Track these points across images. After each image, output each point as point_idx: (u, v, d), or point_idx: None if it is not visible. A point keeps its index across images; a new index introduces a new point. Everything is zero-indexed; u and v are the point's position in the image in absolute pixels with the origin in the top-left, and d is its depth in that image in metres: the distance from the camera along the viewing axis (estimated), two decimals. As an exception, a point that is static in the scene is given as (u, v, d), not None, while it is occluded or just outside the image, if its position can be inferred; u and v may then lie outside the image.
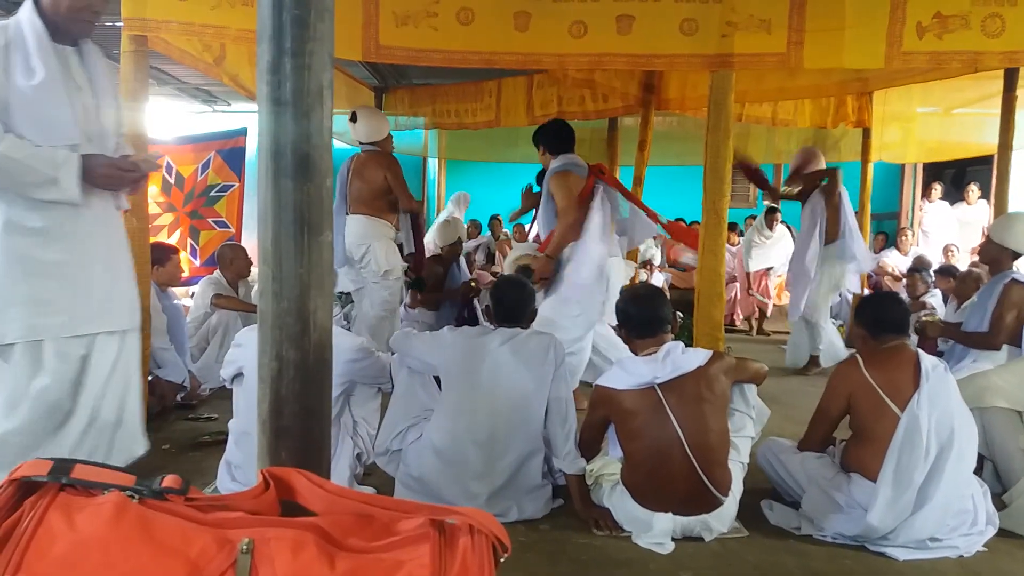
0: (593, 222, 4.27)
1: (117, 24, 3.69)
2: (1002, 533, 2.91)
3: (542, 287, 4.35)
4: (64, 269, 2.45)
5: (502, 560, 1.10)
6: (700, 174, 3.63)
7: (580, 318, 4.30)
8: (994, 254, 4.33)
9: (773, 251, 8.54)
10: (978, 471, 3.09)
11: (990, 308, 4.23)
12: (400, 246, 5.33)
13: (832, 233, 5.78)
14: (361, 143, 5.11)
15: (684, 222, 11.50)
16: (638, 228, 4.74)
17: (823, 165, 5.82)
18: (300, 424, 1.41)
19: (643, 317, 2.98)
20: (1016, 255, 4.32)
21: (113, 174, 2.51)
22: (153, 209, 6.97)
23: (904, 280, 7.12)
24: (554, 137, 4.57)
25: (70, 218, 2.45)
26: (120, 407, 2.65)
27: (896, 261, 8.95)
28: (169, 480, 1.15)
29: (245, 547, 1.06)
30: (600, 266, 4.31)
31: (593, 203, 4.32)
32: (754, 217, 10.20)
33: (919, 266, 7.11)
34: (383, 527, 1.13)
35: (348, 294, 7.57)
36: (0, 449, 2.41)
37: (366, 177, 4.99)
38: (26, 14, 2.40)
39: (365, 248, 4.98)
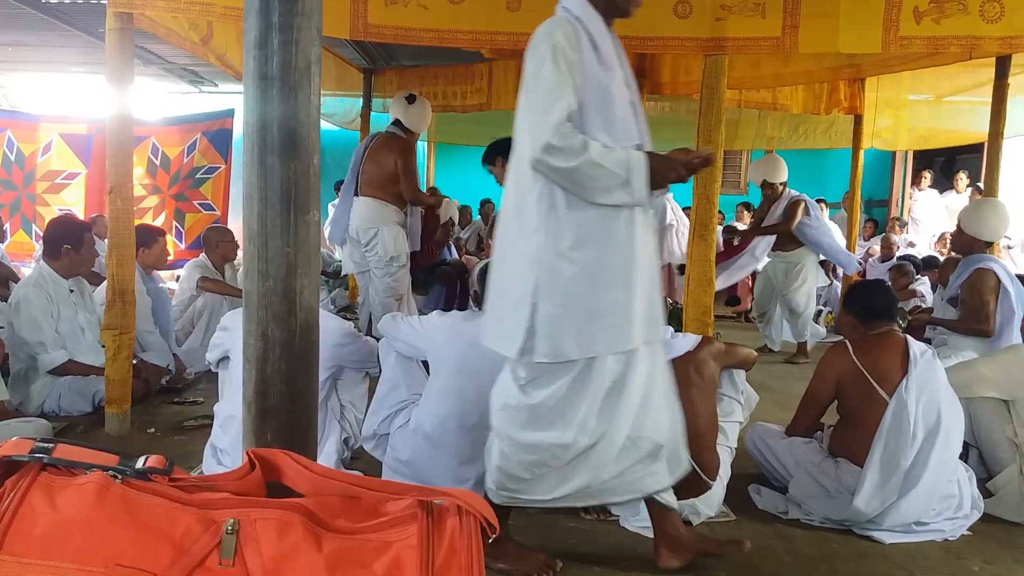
0: None
1: (102, 1, 3.63)
2: (987, 518, 2.94)
3: None
4: (632, 276, 2.17)
5: (490, 541, 1.08)
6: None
7: None
8: (967, 244, 4.34)
9: None
10: (964, 457, 3.11)
11: (960, 291, 4.29)
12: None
13: (783, 244, 6.05)
14: (396, 121, 5.08)
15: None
16: None
17: (784, 175, 6.05)
18: (286, 404, 1.39)
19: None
20: (988, 244, 4.33)
21: (680, 171, 2.21)
22: (138, 191, 6.90)
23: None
24: (509, 147, 4.46)
25: (626, 223, 2.17)
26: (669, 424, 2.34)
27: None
28: (153, 460, 1.13)
29: (230, 528, 1.05)
30: None
31: None
32: (747, 204, 10.22)
33: (899, 262, 7.16)
34: (370, 508, 1.11)
35: (333, 277, 7.55)
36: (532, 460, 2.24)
37: (380, 160, 4.96)
38: (577, 1, 2.17)
39: (373, 232, 4.95)
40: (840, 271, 7.26)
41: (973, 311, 4.19)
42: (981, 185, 9.21)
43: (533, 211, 2.12)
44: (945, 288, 5.47)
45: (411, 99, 5.05)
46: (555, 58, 2.04)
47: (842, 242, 8.09)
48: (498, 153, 4.41)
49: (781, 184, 6.05)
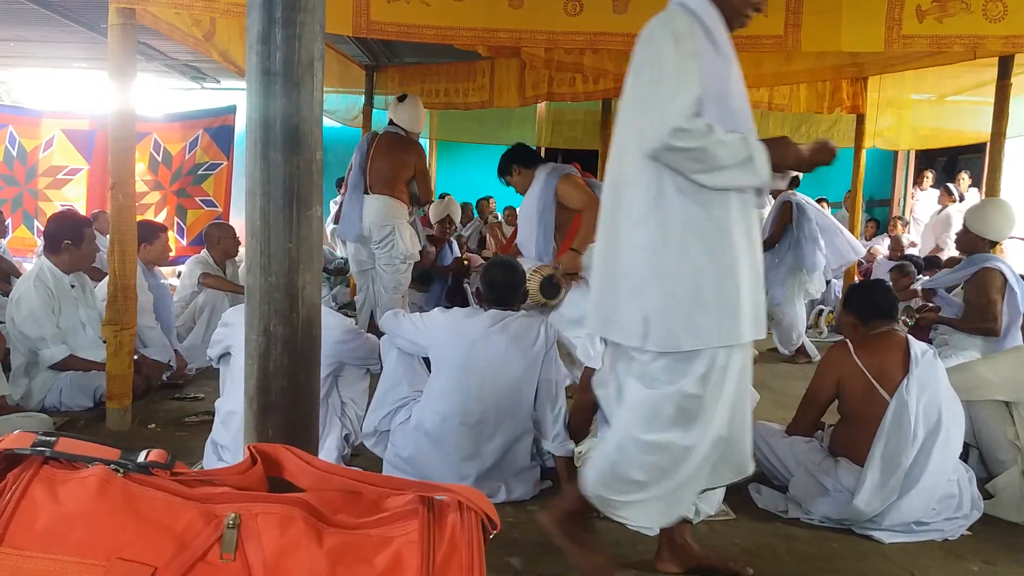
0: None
1: (104, -4, 3.62)
2: (987, 518, 2.94)
3: (569, 282, 4.26)
4: (738, 269, 2.13)
5: (491, 537, 1.09)
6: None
7: None
8: (971, 244, 4.33)
9: None
10: (964, 457, 3.11)
11: (963, 289, 4.29)
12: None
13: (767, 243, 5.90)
14: (392, 124, 5.12)
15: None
16: None
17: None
18: (288, 400, 1.39)
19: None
20: (992, 243, 4.33)
21: (800, 156, 2.20)
22: (140, 187, 6.90)
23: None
24: (525, 155, 4.46)
25: (734, 215, 2.13)
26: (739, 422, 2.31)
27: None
28: (154, 454, 1.13)
29: (232, 522, 1.05)
30: None
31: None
32: None
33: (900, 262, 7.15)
34: (371, 503, 1.11)
35: (335, 274, 7.55)
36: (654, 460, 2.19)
37: (395, 159, 5.01)
38: (696, 2, 2.15)
39: (389, 229, 4.98)
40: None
41: (979, 311, 4.18)
42: (951, 186, 9.26)
43: (640, 201, 2.11)
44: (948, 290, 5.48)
45: (401, 98, 5.10)
46: (678, 46, 2.03)
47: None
48: (513, 162, 4.41)
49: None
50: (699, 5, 2.15)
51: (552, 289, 4.15)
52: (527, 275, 3.99)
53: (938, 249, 8.80)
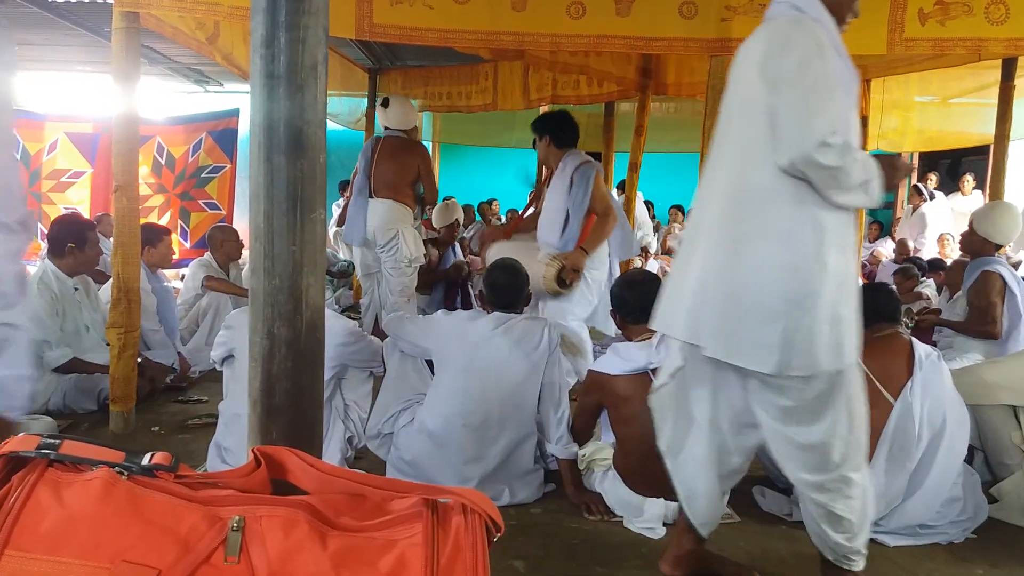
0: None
1: (108, 0, 3.64)
2: (991, 521, 2.93)
3: (574, 280, 4.28)
4: (855, 282, 2.15)
5: (495, 540, 1.09)
6: (697, 161, 3.61)
7: (601, 312, 4.31)
8: (977, 246, 4.33)
9: None
10: (969, 460, 3.10)
11: (967, 293, 4.30)
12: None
13: None
14: (388, 128, 5.12)
15: (682, 209, 11.51)
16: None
17: None
18: (292, 403, 1.40)
19: (638, 303, 2.97)
20: (998, 246, 4.32)
21: (896, 180, 2.18)
22: (143, 190, 6.91)
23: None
24: (565, 130, 4.39)
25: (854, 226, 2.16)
26: None
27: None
28: (159, 457, 1.13)
29: (236, 525, 1.05)
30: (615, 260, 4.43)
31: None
32: None
33: (904, 264, 7.13)
34: (376, 506, 1.11)
35: (339, 277, 7.55)
36: None
37: (399, 162, 5.00)
38: (811, 3, 2.10)
39: (394, 233, 4.97)
40: None
41: (980, 313, 4.18)
42: (921, 185, 9.23)
43: (784, 215, 2.04)
44: (951, 290, 5.47)
45: (384, 103, 5.11)
46: (822, 57, 1.99)
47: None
48: (548, 131, 4.37)
49: None
50: (818, 12, 2.09)
51: (564, 280, 4.20)
52: (546, 261, 4.06)
53: (915, 251, 8.79)
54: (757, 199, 2.07)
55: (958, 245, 8.49)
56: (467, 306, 6.02)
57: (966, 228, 4.44)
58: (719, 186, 2.16)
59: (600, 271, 4.32)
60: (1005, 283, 4.14)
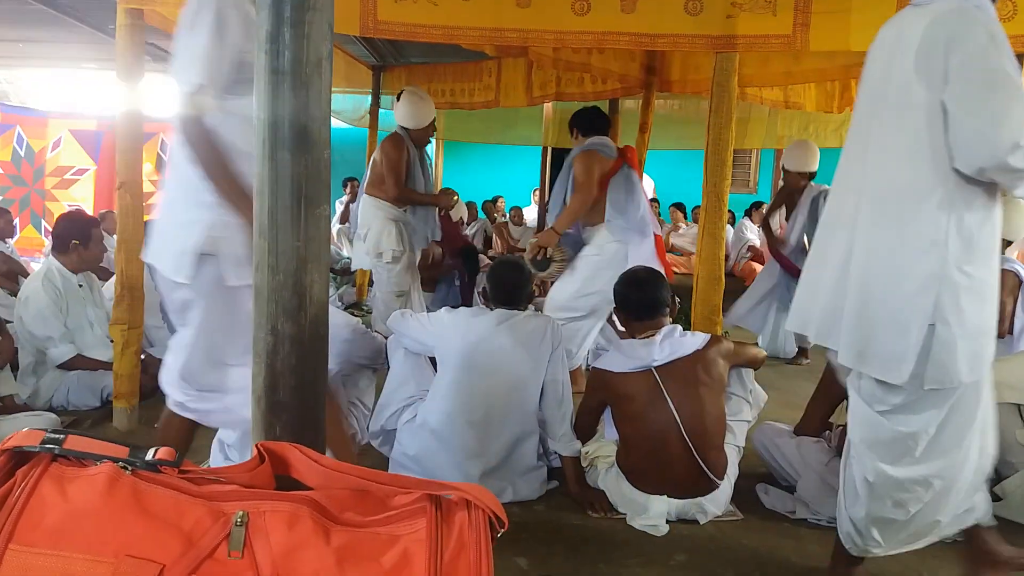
0: (618, 203, 4.31)
1: (112, -4, 3.64)
2: (995, 519, 2.91)
3: (560, 269, 4.32)
4: (996, 291, 2.09)
5: (499, 536, 1.08)
6: (701, 158, 3.61)
7: (593, 297, 4.29)
8: None
9: None
10: (973, 457, 3.08)
11: None
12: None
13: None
14: (398, 124, 5.05)
15: (683, 208, 11.50)
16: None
17: (816, 165, 5.67)
18: (296, 399, 1.39)
19: (642, 300, 2.97)
20: (1007, 243, 4.31)
21: None
22: (148, 188, 6.90)
23: None
24: (587, 121, 4.56)
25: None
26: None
27: None
28: (162, 452, 1.13)
29: (239, 520, 1.05)
30: (623, 247, 4.30)
31: (618, 184, 4.33)
32: (759, 204, 10.19)
33: None
34: (379, 502, 1.11)
35: (341, 274, 7.53)
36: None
37: (374, 159, 5.00)
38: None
39: (367, 229, 4.97)
40: None
41: (1008, 315, 4.18)
42: None
43: (930, 221, 1.96)
44: None
45: (397, 97, 5.06)
46: (999, 51, 1.90)
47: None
48: (576, 125, 4.59)
49: (811, 175, 5.67)
50: (986, 4, 2.00)
51: (542, 263, 4.31)
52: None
53: None
54: (903, 202, 1.99)
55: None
56: (466, 300, 5.98)
57: None
58: (859, 183, 2.08)
59: (600, 255, 4.32)
60: (1020, 282, 4.14)
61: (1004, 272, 4.13)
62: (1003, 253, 4.24)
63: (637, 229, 4.32)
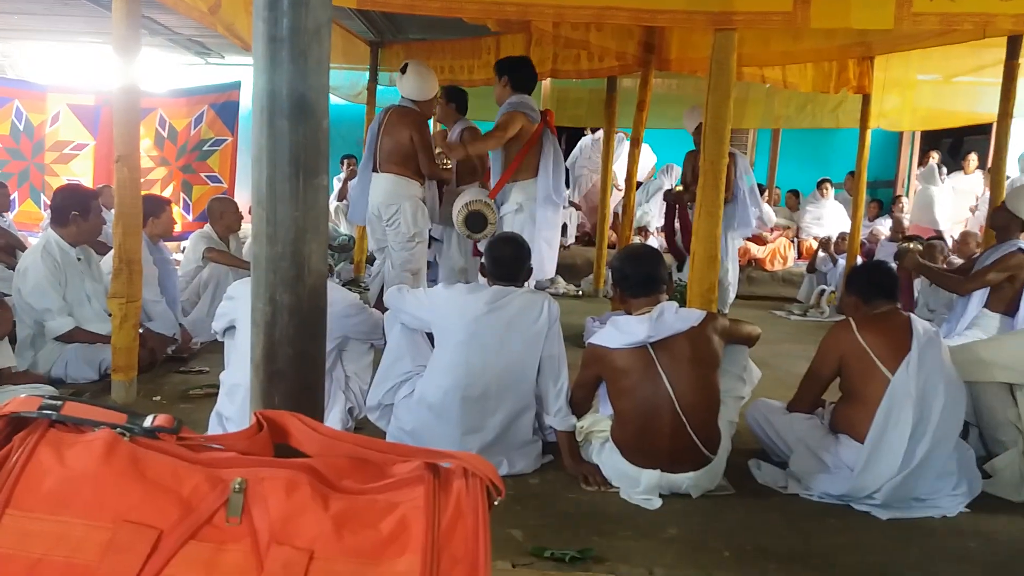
0: (547, 165, 4.68)
1: (108, -32, 3.60)
2: (985, 495, 2.95)
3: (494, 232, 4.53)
4: None
5: (496, 503, 1.09)
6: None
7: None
8: (1004, 221, 4.42)
9: None
10: (963, 435, 3.11)
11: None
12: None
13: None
14: (403, 97, 4.97)
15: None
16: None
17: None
18: (294, 368, 1.40)
19: (639, 276, 2.98)
20: None
21: None
22: (146, 163, 6.88)
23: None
24: (523, 76, 4.76)
25: None
26: None
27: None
28: (161, 419, 1.13)
29: (238, 486, 1.05)
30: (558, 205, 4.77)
31: (544, 146, 4.68)
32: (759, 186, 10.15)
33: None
34: (377, 469, 1.12)
35: (339, 251, 7.50)
36: None
37: (396, 135, 4.85)
38: None
39: (395, 208, 4.85)
40: (843, 254, 7.20)
41: (975, 273, 4.37)
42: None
43: None
44: (965, 260, 5.55)
45: (403, 69, 4.97)
46: None
47: (845, 222, 8.06)
48: (507, 72, 4.76)
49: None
50: None
51: (477, 222, 4.55)
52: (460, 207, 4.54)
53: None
54: None
55: (961, 224, 8.57)
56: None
57: (972, 207, 4.53)
58: None
59: (522, 213, 4.67)
60: None
61: (1019, 252, 4.23)
62: (1019, 233, 4.31)
63: (558, 191, 4.71)
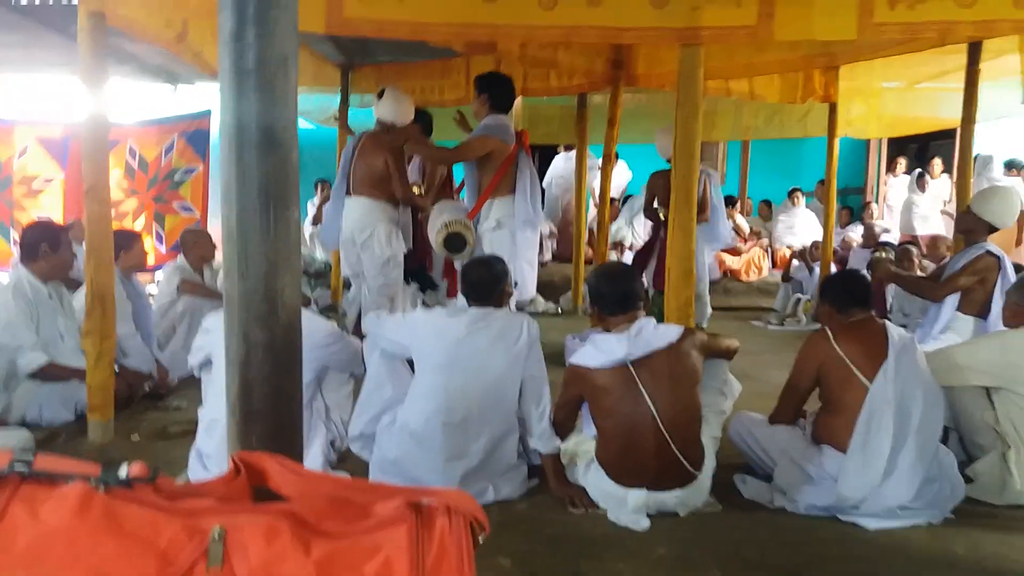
0: (523, 185, 4.75)
1: (74, 1, 3.56)
2: (968, 500, 2.96)
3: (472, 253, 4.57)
4: None
5: (481, 540, 1.08)
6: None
7: None
8: (970, 224, 4.47)
9: None
10: (944, 440, 3.13)
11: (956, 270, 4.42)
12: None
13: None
14: (379, 121, 4.98)
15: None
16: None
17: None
18: (270, 407, 1.38)
19: (615, 294, 2.97)
20: (991, 228, 4.41)
21: None
22: (117, 195, 6.82)
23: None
24: (502, 95, 4.84)
25: None
26: None
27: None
28: (136, 469, 1.11)
29: (217, 535, 1.03)
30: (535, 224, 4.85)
31: (521, 167, 4.77)
32: (731, 198, 10.23)
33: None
34: (359, 510, 1.10)
35: (315, 277, 7.44)
36: None
37: (370, 159, 4.84)
38: None
39: (369, 232, 4.83)
40: (817, 262, 7.25)
41: (947, 279, 4.43)
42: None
43: None
44: (936, 265, 5.63)
45: (380, 94, 4.98)
46: None
47: (818, 230, 8.13)
48: (487, 91, 4.82)
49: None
50: None
51: (456, 244, 4.56)
52: (440, 227, 4.55)
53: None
54: None
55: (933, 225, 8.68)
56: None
57: (941, 211, 4.60)
58: None
59: (501, 229, 4.74)
60: (1000, 267, 4.31)
61: (987, 255, 4.29)
62: (985, 237, 4.38)
63: (536, 211, 4.81)
